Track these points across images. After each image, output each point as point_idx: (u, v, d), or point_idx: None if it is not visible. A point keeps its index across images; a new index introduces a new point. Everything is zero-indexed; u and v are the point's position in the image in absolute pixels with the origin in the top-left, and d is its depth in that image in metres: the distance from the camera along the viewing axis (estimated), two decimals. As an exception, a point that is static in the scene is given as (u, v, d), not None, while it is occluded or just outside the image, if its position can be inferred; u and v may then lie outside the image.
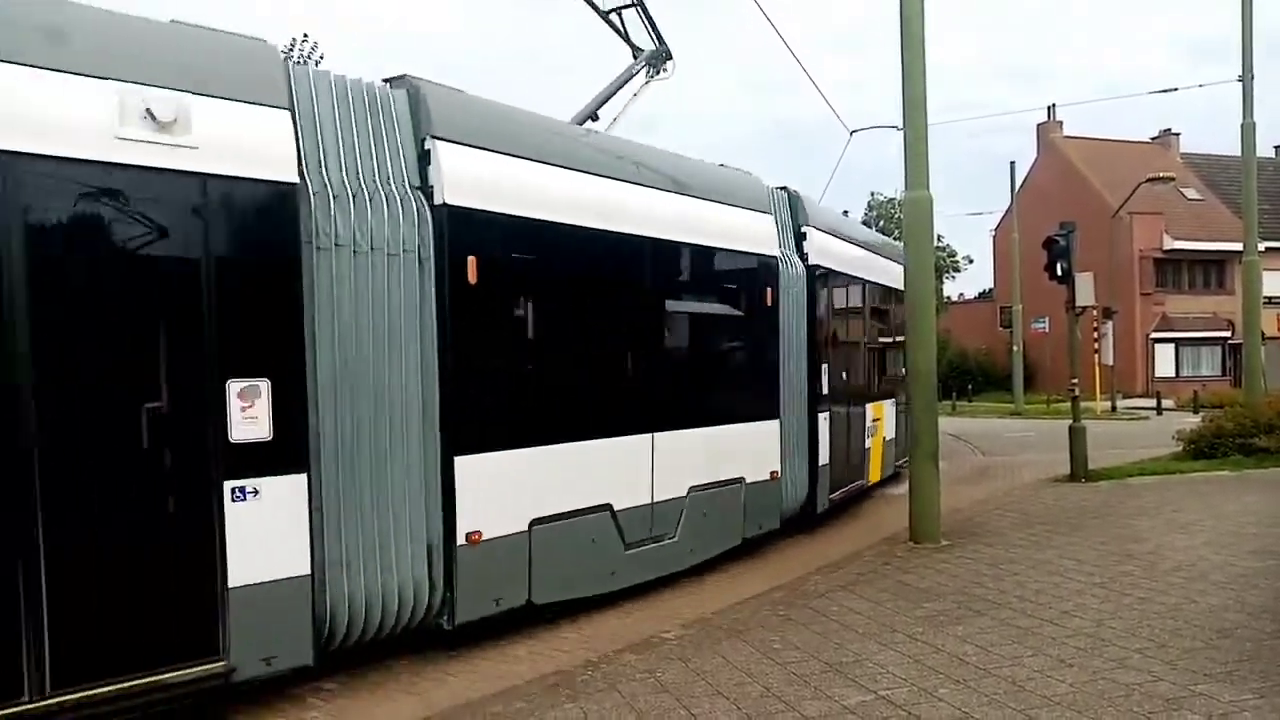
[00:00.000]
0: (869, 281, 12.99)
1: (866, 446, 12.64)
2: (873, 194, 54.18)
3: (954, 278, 59.56)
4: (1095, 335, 28.99)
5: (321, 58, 20.41)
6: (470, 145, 6.49)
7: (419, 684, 6.02)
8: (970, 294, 59.35)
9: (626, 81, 9.84)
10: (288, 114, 5.49)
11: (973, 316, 48.34)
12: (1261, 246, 19.45)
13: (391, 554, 6.01)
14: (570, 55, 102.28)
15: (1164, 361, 40.71)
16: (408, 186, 6.17)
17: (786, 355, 10.04)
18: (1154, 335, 40.54)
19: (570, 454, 7.21)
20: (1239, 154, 18.46)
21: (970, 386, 39.49)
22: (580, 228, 7.27)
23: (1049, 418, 28.16)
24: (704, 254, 8.87)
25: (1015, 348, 34.09)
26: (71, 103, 4.68)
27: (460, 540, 6.30)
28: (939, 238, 43.62)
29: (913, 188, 9.61)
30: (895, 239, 16.03)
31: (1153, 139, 46.34)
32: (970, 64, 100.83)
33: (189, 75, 5.09)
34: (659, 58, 10.06)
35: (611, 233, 7.61)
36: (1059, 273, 13.60)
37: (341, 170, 5.93)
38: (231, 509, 5.12)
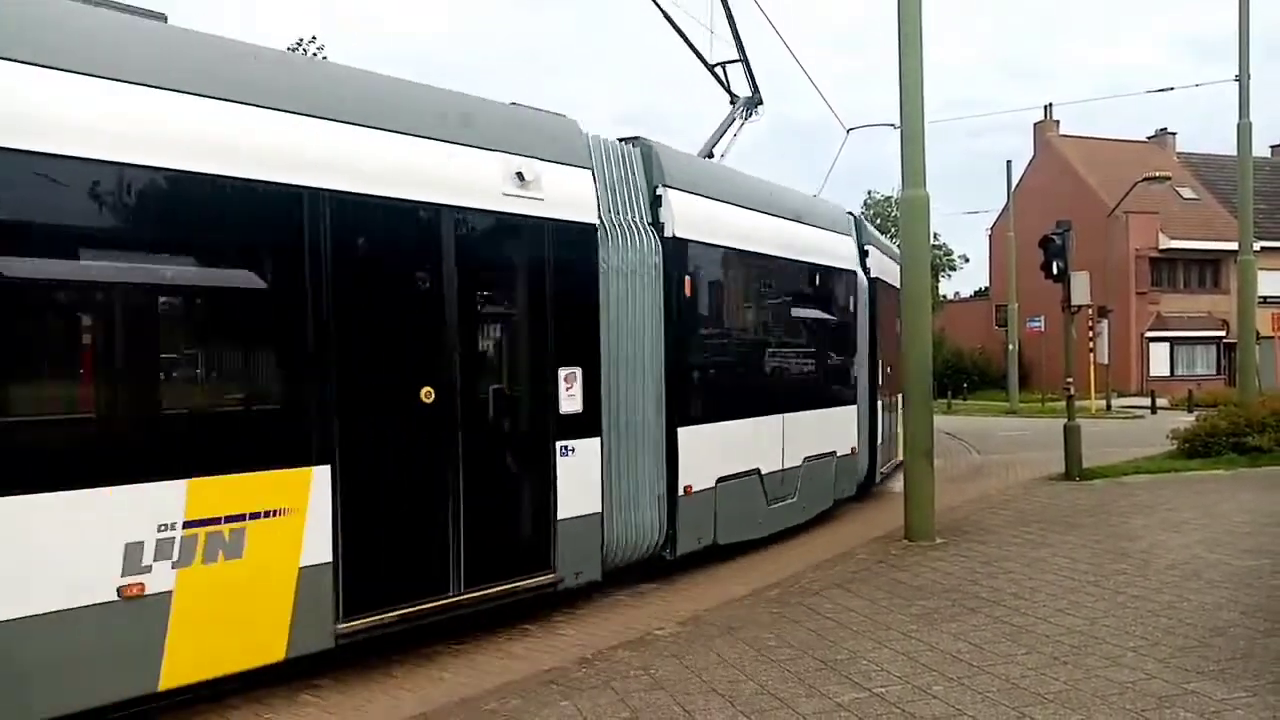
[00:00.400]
0: (898, 288, 13.67)
1: (898, 431, 13.70)
2: (869, 193, 54.26)
3: (950, 276, 59.71)
4: (1090, 334, 29.03)
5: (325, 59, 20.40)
6: (686, 191, 8.55)
7: (415, 681, 6.02)
8: (966, 293, 59.44)
9: (729, 125, 11.55)
10: (589, 172, 7.57)
11: (968, 315, 48.38)
12: (1257, 246, 19.50)
13: (642, 500, 8.02)
14: (569, 55, 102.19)
15: (1159, 360, 40.79)
16: (645, 223, 8.17)
17: (860, 352, 12.23)
18: (1149, 334, 40.63)
19: (738, 429, 9.31)
20: (1235, 154, 18.47)
21: (965, 385, 39.54)
22: (749, 252, 9.54)
23: (1044, 416, 28.21)
24: (817, 271, 11.03)
25: (1011, 346, 34.14)
26: (481, 169, 6.69)
27: (680, 491, 8.35)
28: (935, 236, 43.71)
29: (909, 186, 9.61)
30: (892, 238, 16.15)
31: (1149, 138, 46.40)
32: (970, 63, 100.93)
33: (537, 146, 7.10)
34: (753, 103, 11.64)
35: (771, 256, 9.96)
36: (1055, 272, 13.62)
37: (611, 212, 7.86)
38: (560, 462, 7.12)
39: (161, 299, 5.31)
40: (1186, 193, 42.34)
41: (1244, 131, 17.64)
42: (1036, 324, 36.41)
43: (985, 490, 13.39)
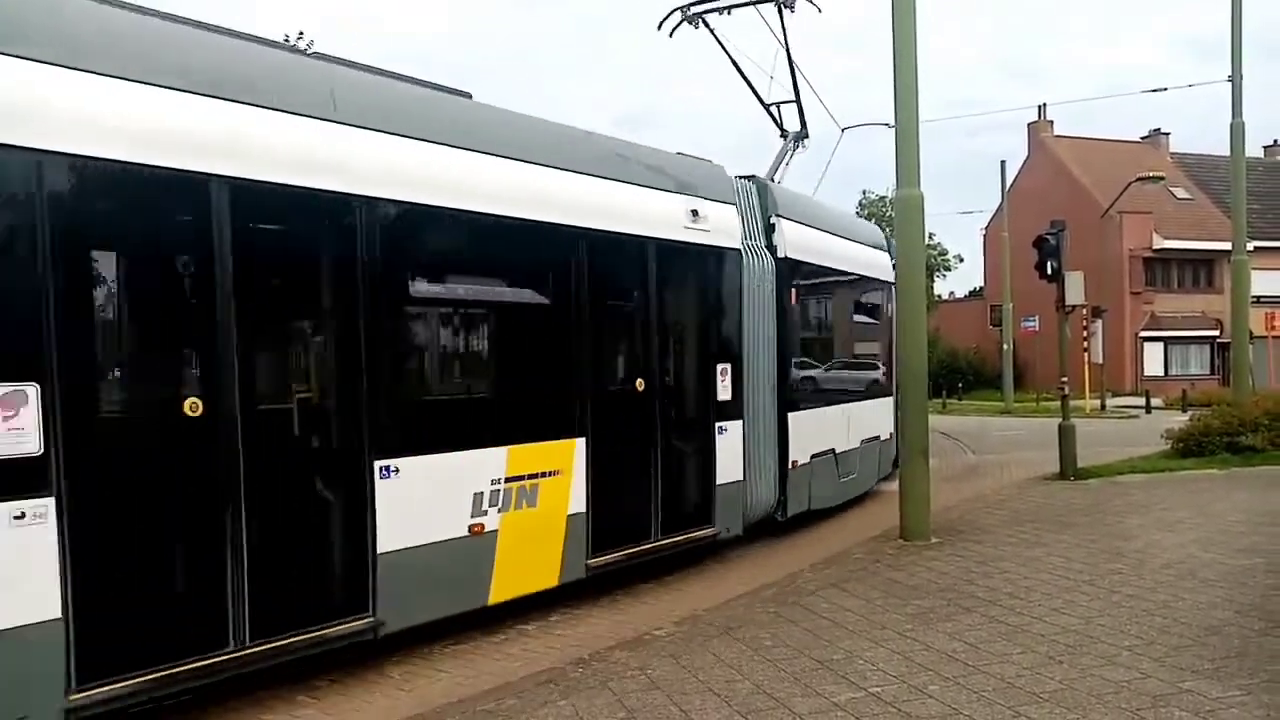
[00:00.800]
0: None
1: None
2: (864, 192, 54.32)
3: (944, 276, 59.88)
4: (1085, 334, 29.10)
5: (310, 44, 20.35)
6: (792, 219, 10.42)
7: (412, 681, 6.02)
8: (961, 292, 59.59)
9: (784, 157, 12.82)
10: (734, 207, 9.55)
11: (963, 315, 48.52)
12: (1250, 246, 19.57)
13: (767, 471, 9.92)
14: (562, 55, 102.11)
15: (1153, 360, 40.91)
16: (764, 246, 10.01)
17: (892, 349, 13.21)
18: (1143, 334, 40.74)
19: (822, 415, 11.22)
20: (1229, 154, 18.52)
21: (960, 385, 39.63)
22: (828, 268, 11.43)
23: (1039, 416, 28.27)
24: (866, 282, 12.87)
25: (1005, 346, 34.22)
26: (672, 209, 8.65)
27: (790, 465, 10.28)
28: (930, 236, 43.79)
29: (904, 186, 9.62)
30: (887, 238, 16.40)
31: (1143, 138, 46.55)
32: (965, 62, 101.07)
33: (702, 188, 9.07)
34: (801, 137, 12.91)
35: (841, 271, 11.87)
36: (1049, 271, 13.67)
37: (746, 238, 9.63)
38: (718, 439, 9.00)
39: (504, 316, 7.32)
40: (1180, 193, 42.46)
41: (1237, 131, 17.71)
42: (1031, 324, 36.54)
43: (980, 490, 13.42)
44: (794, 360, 10.50)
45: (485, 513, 6.73)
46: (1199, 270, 41.63)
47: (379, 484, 5.95)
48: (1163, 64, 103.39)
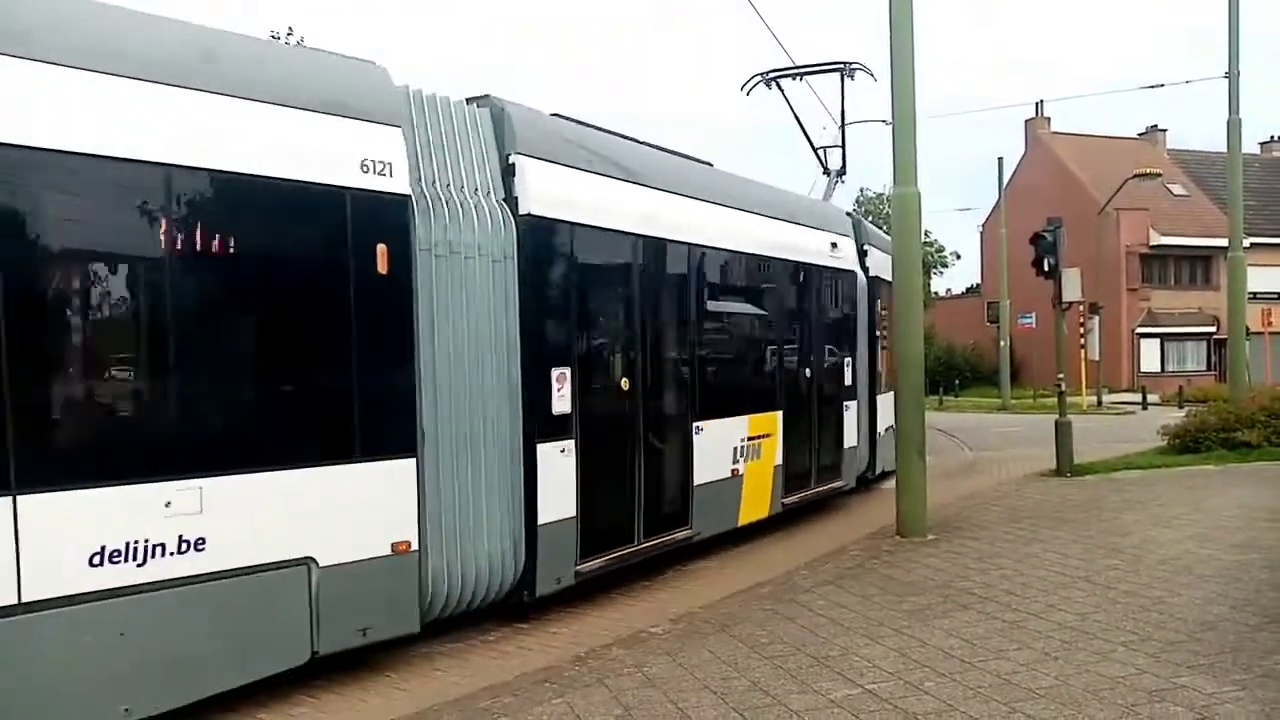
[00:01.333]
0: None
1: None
2: (861, 190, 54.26)
3: (941, 273, 59.86)
4: (1081, 330, 29.11)
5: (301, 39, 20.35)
6: (877, 247, 13.46)
7: (408, 681, 6.02)
8: (958, 289, 59.60)
9: (828, 192, 14.30)
10: (852, 239, 12.40)
11: (960, 312, 48.54)
12: (1247, 242, 19.53)
13: (864, 439, 12.73)
14: (558, 58, 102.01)
15: (1149, 356, 40.96)
16: (861, 268, 12.96)
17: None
18: (1139, 330, 40.79)
19: (888, 399, 12.72)
20: (1225, 150, 18.53)
21: (957, 381, 39.65)
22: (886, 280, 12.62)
23: (1035, 412, 28.29)
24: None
25: (1002, 343, 34.21)
26: (821, 242, 11.59)
27: (876, 435, 13.22)
28: (927, 233, 43.76)
29: (900, 183, 9.63)
30: (885, 233, 16.53)
31: (1140, 135, 46.57)
32: (964, 59, 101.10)
33: (836, 226, 12.11)
34: (840, 173, 14.53)
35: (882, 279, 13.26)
36: (1046, 268, 13.67)
37: (856, 263, 12.69)
38: (845, 414, 12.17)
39: (751, 323, 10.54)
40: (1177, 189, 42.49)
41: (1234, 128, 17.69)
42: (1028, 320, 36.55)
43: (977, 486, 13.42)
44: (876, 355, 13.16)
45: (738, 462, 9.66)
46: (1196, 267, 41.68)
47: (695, 438, 8.83)
48: (1161, 60, 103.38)
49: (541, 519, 6.92)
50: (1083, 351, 29.29)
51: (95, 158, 4.70)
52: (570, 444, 7.10)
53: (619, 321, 8.16)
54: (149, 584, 4.81)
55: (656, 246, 8.41)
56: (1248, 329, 18.55)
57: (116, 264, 4.95)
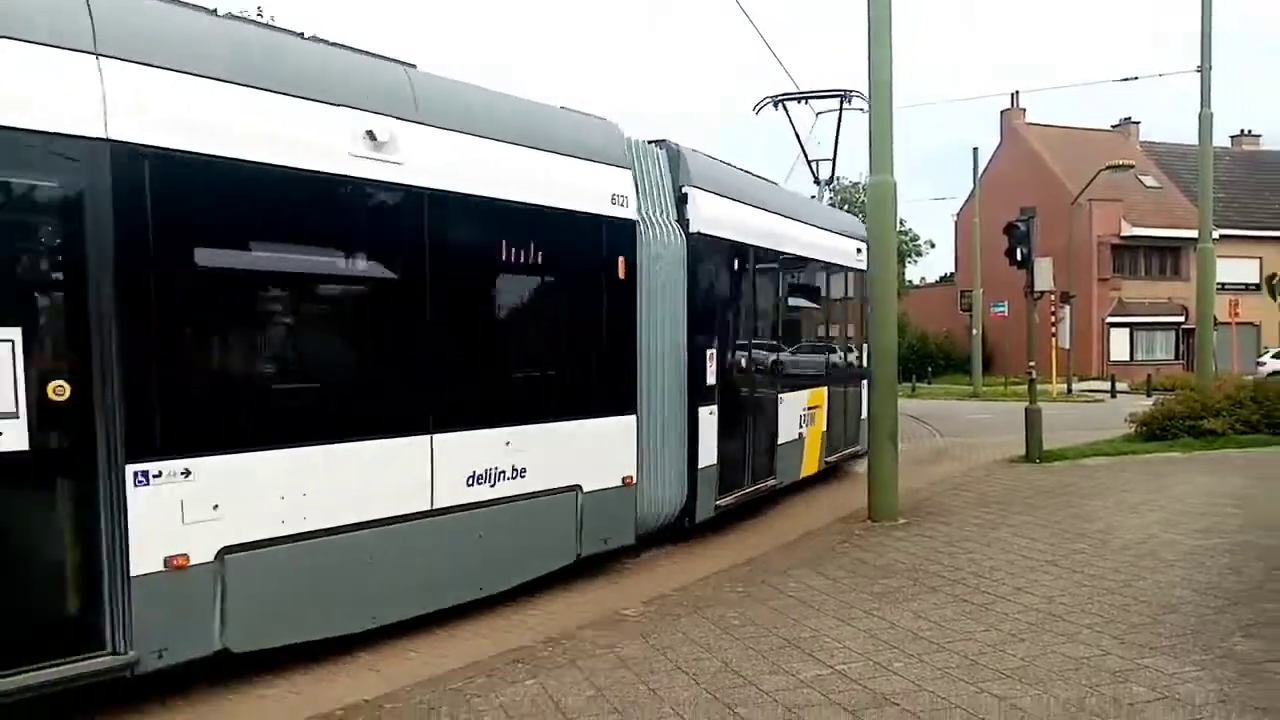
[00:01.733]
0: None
1: None
2: (836, 178, 54.29)
3: (916, 262, 60.11)
4: (1053, 319, 29.39)
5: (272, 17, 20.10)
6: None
7: (381, 661, 6.01)
8: (932, 278, 59.91)
9: (820, 199, 15.44)
10: (855, 241, 13.11)
11: (934, 300, 48.81)
12: (1216, 234, 19.79)
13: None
14: (547, 55, 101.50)
15: (1119, 345, 41.44)
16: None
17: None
18: (1110, 319, 41.23)
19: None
20: (1196, 143, 18.73)
21: (930, 369, 39.92)
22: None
23: (1007, 400, 28.53)
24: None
25: (975, 331, 34.47)
26: (848, 247, 13.14)
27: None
28: (902, 222, 43.97)
29: (876, 172, 9.67)
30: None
31: (1113, 127, 46.92)
32: (943, 49, 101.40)
33: (857, 233, 13.03)
34: (829, 182, 15.51)
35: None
36: (1019, 258, 13.79)
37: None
38: (863, 392, 11.44)
39: (812, 315, 12.77)
40: (1149, 181, 42.92)
41: (1205, 121, 17.91)
42: (1000, 309, 36.80)
43: (948, 472, 13.55)
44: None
45: (803, 427, 11.61)
46: (1166, 258, 42.13)
47: (780, 405, 10.93)
48: (1135, 56, 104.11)
49: (700, 464, 9.02)
50: (1054, 340, 29.58)
51: (490, 199, 6.83)
52: (714, 409, 9.18)
53: (741, 314, 10.19)
54: (496, 499, 6.91)
55: (767, 255, 10.58)
56: (1215, 319, 18.80)
57: (479, 274, 6.97)
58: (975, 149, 35.84)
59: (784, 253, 11.04)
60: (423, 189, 6.32)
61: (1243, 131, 48.78)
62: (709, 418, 9.11)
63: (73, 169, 4.70)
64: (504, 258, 7.03)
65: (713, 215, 9.22)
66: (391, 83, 6.37)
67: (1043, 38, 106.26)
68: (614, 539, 8.01)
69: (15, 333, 4.53)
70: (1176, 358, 40.80)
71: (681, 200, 8.97)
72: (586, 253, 7.74)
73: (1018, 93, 43.81)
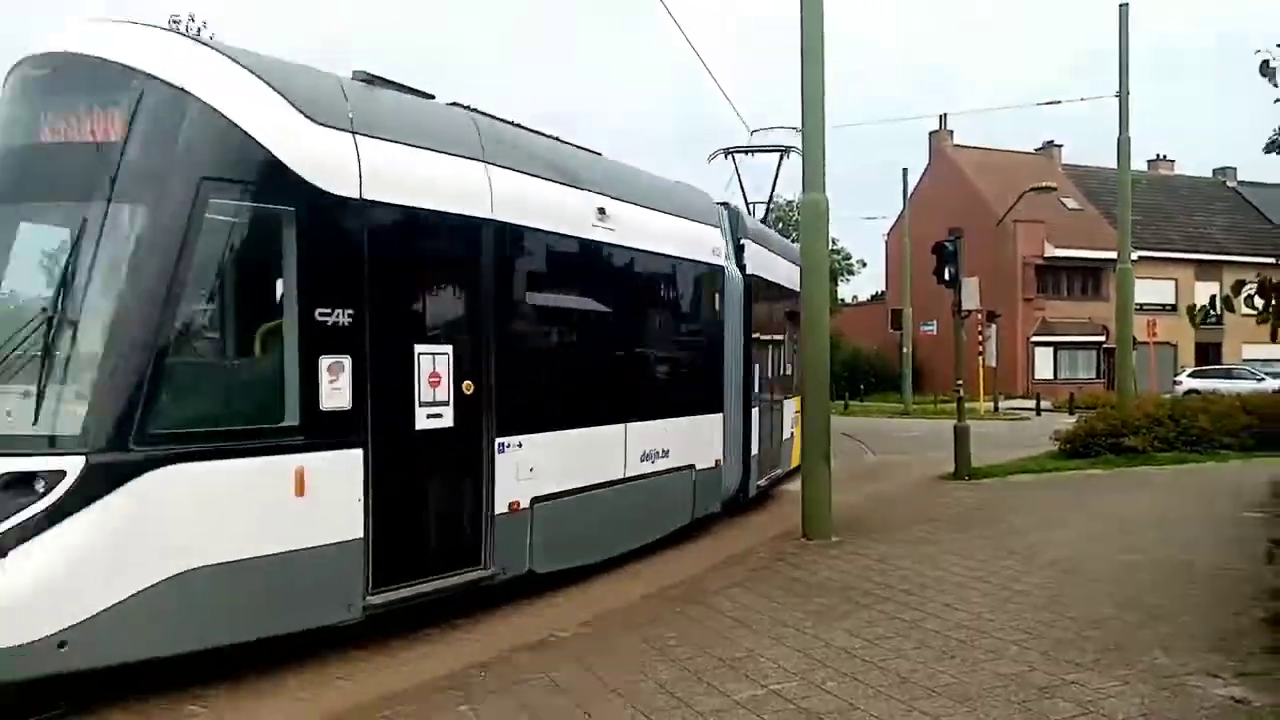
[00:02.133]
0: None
1: None
2: (771, 197, 54.93)
3: (848, 280, 61.19)
4: (980, 338, 30.11)
5: (212, 35, 19.74)
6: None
7: (309, 689, 5.86)
8: (864, 296, 60.96)
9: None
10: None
11: (866, 318, 49.69)
12: (1135, 255, 20.53)
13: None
14: (493, 51, 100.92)
15: (1043, 364, 42.56)
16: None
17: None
18: (1034, 338, 42.34)
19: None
20: (1115, 167, 19.39)
21: (862, 386, 40.56)
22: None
23: (936, 417, 29.14)
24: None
25: (905, 349, 35.14)
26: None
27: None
28: (834, 241, 44.67)
29: (809, 190, 9.81)
30: (793, 241, 17.02)
31: (1037, 150, 48.39)
32: (873, 69, 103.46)
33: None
34: (765, 218, 16.07)
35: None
36: (947, 277, 14.11)
37: None
38: None
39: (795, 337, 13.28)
40: (1071, 203, 44.28)
41: (1124, 146, 18.56)
42: (930, 328, 37.62)
43: (880, 489, 13.76)
44: None
45: (792, 427, 12.99)
46: (1087, 278, 43.46)
47: (785, 409, 13.40)
48: (1057, 80, 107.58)
49: (751, 453, 11.57)
50: (981, 358, 30.30)
51: (658, 253, 9.63)
52: (757, 410, 11.72)
53: (770, 334, 12.66)
54: (654, 472, 9.42)
55: (785, 292, 12.92)
56: (1135, 339, 19.44)
57: (652, 307, 9.88)
58: (905, 170, 36.74)
59: (789, 289, 12.64)
60: (627, 247, 8.99)
61: (1159, 156, 50.72)
62: (755, 417, 11.69)
63: (475, 241, 7.08)
64: (663, 295, 9.98)
65: (758, 260, 11.84)
66: (607, 171, 9.11)
67: (970, 53, 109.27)
68: (711, 507, 10.55)
69: (449, 349, 6.82)
70: (1098, 376, 42.06)
71: (739, 249, 11.46)
72: (700, 291, 10.42)
73: (945, 115, 44.96)
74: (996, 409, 31.93)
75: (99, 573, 4.99)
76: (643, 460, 9.19)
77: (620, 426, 8.87)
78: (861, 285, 78.62)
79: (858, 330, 47.04)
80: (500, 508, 7.15)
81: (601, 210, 8.57)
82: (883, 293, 53.95)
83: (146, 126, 5.51)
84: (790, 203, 50.63)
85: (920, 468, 16.04)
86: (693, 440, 10.02)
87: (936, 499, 12.37)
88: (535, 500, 7.54)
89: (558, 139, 8.69)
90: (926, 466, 15.88)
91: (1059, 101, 26.39)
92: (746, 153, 15.06)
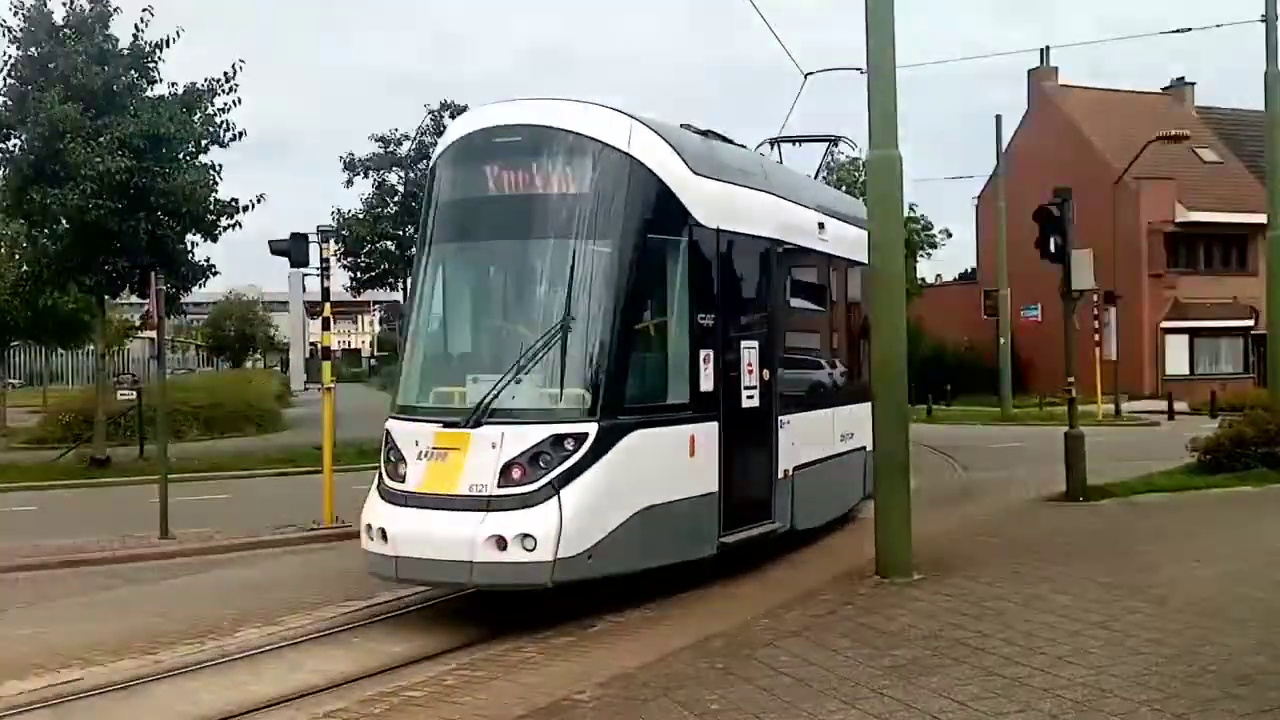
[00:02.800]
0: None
1: None
2: (831, 153, 54.71)
3: (929, 256, 60.58)
4: (1095, 325, 29.82)
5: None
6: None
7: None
8: (949, 275, 60.59)
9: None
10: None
11: (952, 302, 49.34)
12: (1289, 219, 20.09)
13: None
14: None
15: (1176, 356, 42.08)
16: None
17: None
18: (1165, 325, 41.85)
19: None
20: (1264, 108, 18.76)
21: (949, 387, 40.27)
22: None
23: (1042, 423, 28.87)
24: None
25: (1002, 340, 34.84)
26: None
27: None
28: (911, 207, 44.31)
29: (878, 145, 9.77)
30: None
31: (1164, 89, 47.77)
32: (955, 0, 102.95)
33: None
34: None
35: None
36: (1052, 250, 13.94)
37: None
38: None
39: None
40: (1208, 155, 43.65)
41: (1273, 81, 17.92)
42: (1033, 313, 37.38)
43: (973, 515, 13.69)
44: None
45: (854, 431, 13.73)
46: (1230, 248, 42.87)
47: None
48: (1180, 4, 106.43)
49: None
50: (1098, 351, 30.01)
51: (850, 260, 13.35)
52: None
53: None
54: (846, 451, 13.07)
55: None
56: (1291, 323, 19.03)
57: (848, 307, 13.94)
58: (998, 118, 36.44)
59: None
60: (835, 255, 12.99)
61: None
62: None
63: (767, 256, 11.08)
64: (849, 295, 13.69)
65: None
66: (819, 192, 13.63)
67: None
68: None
69: (756, 344, 10.57)
70: (1246, 370, 41.52)
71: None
72: (865, 289, 12.42)
73: (1048, 49, 44.55)
74: (1118, 412, 31.64)
75: (607, 505, 8.68)
76: (841, 440, 12.88)
77: (831, 410, 12.74)
78: (946, 262, 78.36)
79: (942, 317, 46.73)
80: (779, 473, 10.84)
81: (821, 225, 12.46)
82: (973, 270, 53.62)
83: (605, 182, 9.29)
84: (855, 160, 50.48)
85: (1023, 487, 15.93)
86: (864, 425, 11.60)
87: (1044, 526, 12.27)
88: (796, 468, 11.17)
89: (779, 162, 13.76)
90: (1031, 485, 15.78)
91: (1189, 29, 25.85)
92: (794, 143, 16.65)
